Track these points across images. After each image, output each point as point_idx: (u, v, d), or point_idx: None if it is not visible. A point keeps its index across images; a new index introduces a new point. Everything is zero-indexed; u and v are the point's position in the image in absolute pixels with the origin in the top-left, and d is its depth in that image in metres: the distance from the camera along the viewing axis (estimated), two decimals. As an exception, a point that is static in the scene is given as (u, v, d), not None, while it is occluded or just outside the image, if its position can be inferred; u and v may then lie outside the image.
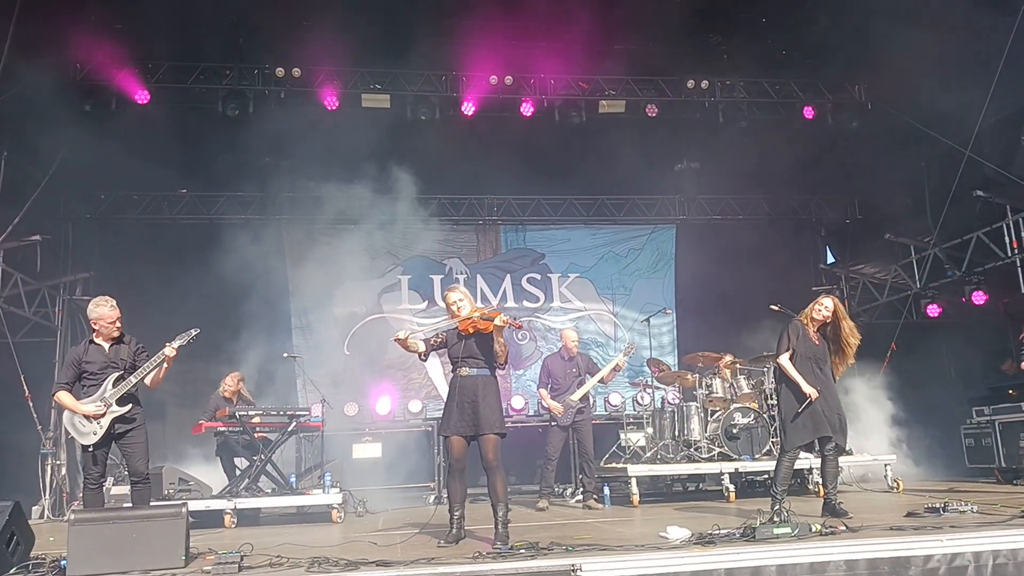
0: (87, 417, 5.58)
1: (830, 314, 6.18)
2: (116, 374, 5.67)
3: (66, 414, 5.69)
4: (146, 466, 5.84)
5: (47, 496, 9.71)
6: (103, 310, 5.68)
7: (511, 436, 11.42)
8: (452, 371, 5.62)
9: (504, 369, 5.69)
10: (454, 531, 5.45)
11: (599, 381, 8.61)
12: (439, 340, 5.68)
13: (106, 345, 5.74)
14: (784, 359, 6.18)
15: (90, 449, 5.63)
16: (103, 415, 5.58)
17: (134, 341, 5.88)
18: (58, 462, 9.98)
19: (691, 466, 8.73)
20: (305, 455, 9.49)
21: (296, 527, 7.64)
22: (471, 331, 5.44)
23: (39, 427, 9.88)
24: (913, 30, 10.02)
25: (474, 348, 5.49)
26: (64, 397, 5.63)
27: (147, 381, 5.78)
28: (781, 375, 6.25)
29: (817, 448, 6.40)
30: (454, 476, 5.58)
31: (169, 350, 5.73)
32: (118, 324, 5.74)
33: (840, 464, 6.69)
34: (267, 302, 11.64)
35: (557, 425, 8.40)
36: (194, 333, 5.92)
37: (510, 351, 5.68)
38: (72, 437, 5.88)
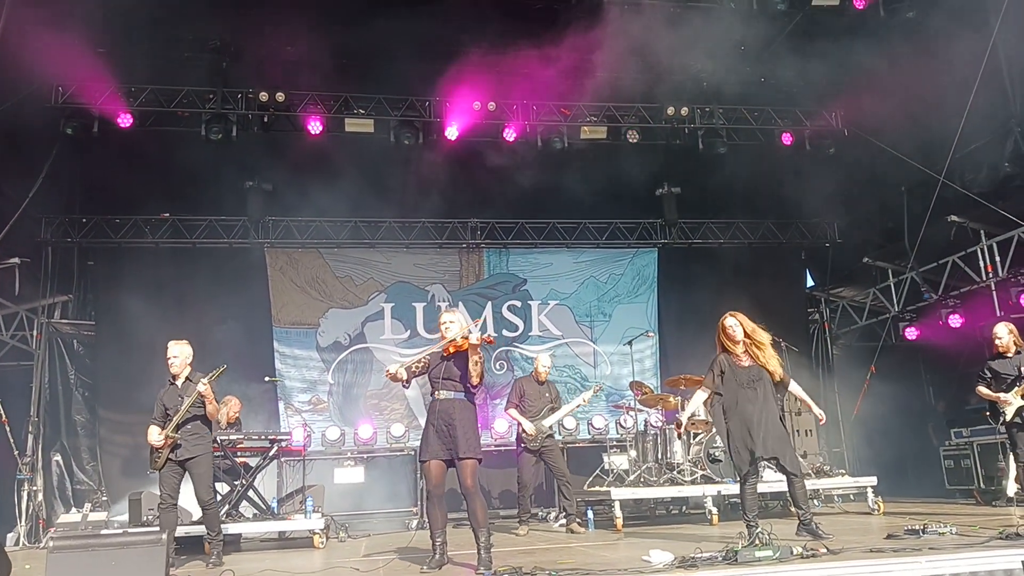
0: (151, 446, 6.45)
1: (740, 330, 6.17)
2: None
3: None
4: (208, 493, 6.61)
5: (23, 523, 9.55)
6: (167, 351, 6.56)
7: (494, 460, 11.45)
8: (431, 394, 5.61)
9: (478, 391, 5.67)
10: (437, 556, 5.41)
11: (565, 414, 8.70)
12: (422, 365, 5.65)
13: (178, 383, 6.56)
14: (699, 394, 6.35)
15: (149, 473, 6.63)
16: (161, 446, 6.38)
17: (201, 379, 6.50)
18: (35, 488, 9.83)
19: (674, 489, 8.72)
20: (287, 480, 9.41)
21: (277, 553, 7.56)
22: (451, 351, 5.47)
23: (15, 452, 9.73)
24: (887, 58, 10.28)
25: (451, 369, 5.50)
26: (149, 429, 6.48)
27: (208, 415, 6.55)
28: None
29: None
30: (433, 501, 5.53)
31: (201, 386, 6.40)
32: (171, 363, 6.54)
33: (807, 485, 6.67)
34: (250, 327, 11.57)
35: (526, 449, 8.38)
36: (223, 368, 6.64)
37: (486, 380, 5.68)
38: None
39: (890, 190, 11.90)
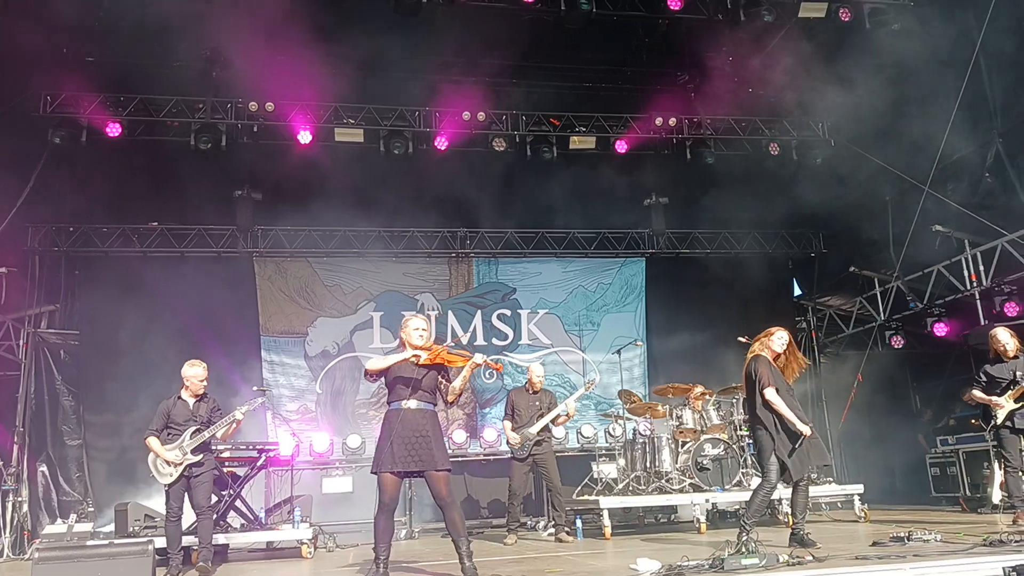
0: (166, 462, 6.47)
1: (786, 345, 6.34)
2: (194, 427, 6.62)
3: (150, 456, 6.58)
4: (207, 500, 6.73)
5: (7, 534, 9.45)
6: (196, 371, 6.70)
7: (482, 469, 11.46)
8: (391, 401, 5.32)
9: (448, 407, 5.57)
10: (380, 571, 5.15)
11: (553, 420, 8.47)
12: (403, 362, 5.31)
13: (191, 401, 6.71)
14: (772, 394, 6.08)
15: (167, 488, 6.55)
16: (180, 463, 6.47)
17: (213, 400, 6.86)
18: (20, 499, 9.73)
19: (662, 498, 8.74)
20: (274, 490, 9.37)
21: (265, 563, 7.54)
22: (432, 362, 5.26)
23: (0, 463, 9.66)
24: (873, 69, 10.41)
25: (425, 381, 5.28)
26: (152, 442, 6.54)
27: (218, 435, 6.73)
28: (763, 409, 6.16)
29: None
30: (387, 514, 5.27)
31: (238, 413, 6.76)
32: (205, 383, 6.72)
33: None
34: (237, 337, 11.55)
35: (515, 458, 8.37)
36: (260, 400, 7.13)
37: (476, 391, 5.58)
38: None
39: (875, 200, 12.01)
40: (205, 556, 6.67)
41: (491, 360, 5.45)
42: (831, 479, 10.15)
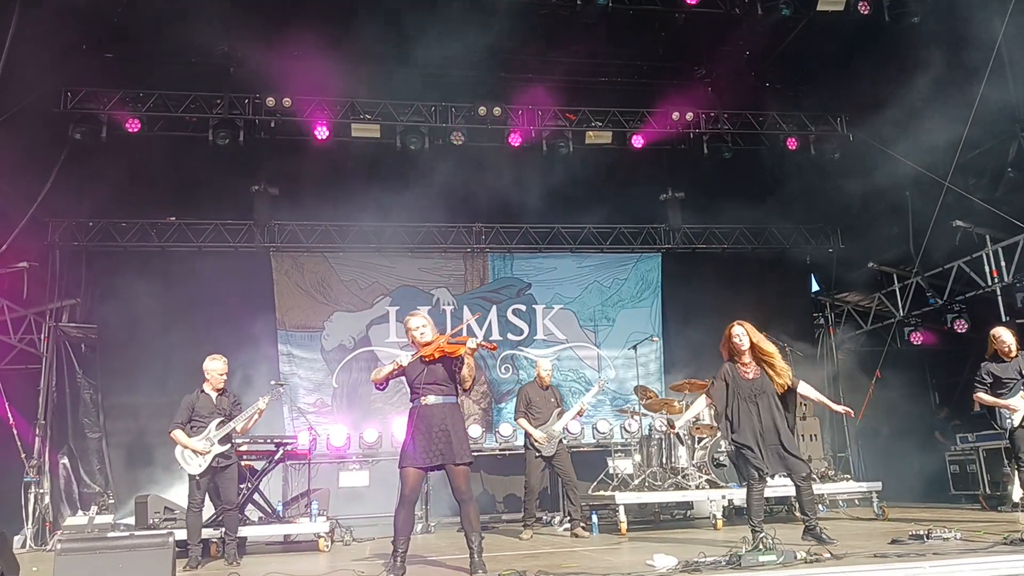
0: (195, 452, 6.69)
1: (747, 340, 6.17)
2: (218, 419, 6.85)
3: (177, 448, 6.77)
4: (236, 495, 7.04)
5: (30, 525, 9.58)
6: (217, 364, 6.95)
7: (498, 465, 11.44)
8: (412, 399, 5.42)
9: (468, 395, 5.61)
10: (398, 564, 5.15)
11: (575, 415, 8.70)
12: (397, 369, 5.45)
13: (213, 395, 6.95)
14: (701, 400, 6.46)
15: (196, 478, 6.75)
16: (209, 452, 6.71)
17: (231, 394, 7.15)
18: (41, 490, 9.86)
19: (678, 493, 8.71)
20: (292, 483, 9.43)
21: (283, 556, 7.58)
22: (436, 356, 5.33)
23: (23, 455, 9.78)
24: (892, 63, 10.31)
25: (438, 374, 5.35)
26: (179, 435, 6.75)
27: (238, 428, 6.94)
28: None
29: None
30: (408, 508, 5.30)
31: (261, 403, 7.00)
32: (225, 377, 6.98)
33: (814, 491, 6.63)
34: (254, 330, 11.60)
35: (539, 456, 8.35)
36: (280, 391, 7.35)
37: (492, 385, 5.62)
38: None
39: (895, 195, 11.89)
40: (232, 547, 6.81)
41: (484, 341, 5.58)
42: (848, 476, 10.09)
